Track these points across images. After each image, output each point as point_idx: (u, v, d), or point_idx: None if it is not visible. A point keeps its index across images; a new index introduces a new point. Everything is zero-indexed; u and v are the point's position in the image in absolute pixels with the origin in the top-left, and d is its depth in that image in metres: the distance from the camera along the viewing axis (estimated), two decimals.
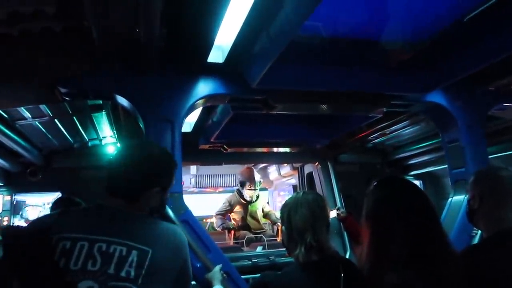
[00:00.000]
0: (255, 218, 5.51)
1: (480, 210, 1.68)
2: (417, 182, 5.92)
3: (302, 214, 1.60)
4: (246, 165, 5.84)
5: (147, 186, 1.43)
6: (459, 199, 2.92)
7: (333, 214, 3.89)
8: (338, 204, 4.85)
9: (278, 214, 5.26)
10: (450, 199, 3.03)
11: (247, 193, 5.39)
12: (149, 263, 1.26)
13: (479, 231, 2.46)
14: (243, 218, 5.45)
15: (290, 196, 1.84)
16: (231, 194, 5.72)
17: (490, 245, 1.61)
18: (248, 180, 5.42)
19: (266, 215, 5.65)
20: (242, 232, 5.35)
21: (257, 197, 5.56)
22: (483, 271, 1.46)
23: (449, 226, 2.75)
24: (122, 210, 1.37)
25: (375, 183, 1.53)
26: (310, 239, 1.55)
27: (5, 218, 4.71)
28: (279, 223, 5.28)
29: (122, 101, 2.45)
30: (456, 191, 3.00)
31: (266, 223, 5.61)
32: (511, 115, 3.54)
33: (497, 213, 1.63)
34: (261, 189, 5.96)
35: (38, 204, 4.84)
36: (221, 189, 6.87)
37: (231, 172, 6.78)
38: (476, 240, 2.61)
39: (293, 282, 1.53)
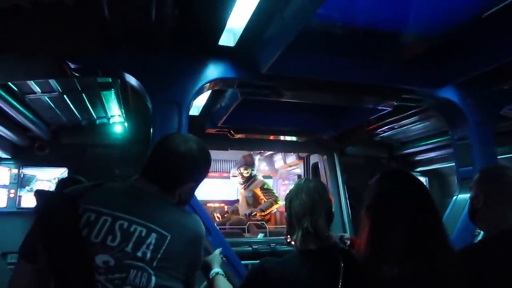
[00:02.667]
0: (242, 204, 5.61)
1: (484, 209, 1.65)
2: (422, 179, 5.90)
3: (302, 200, 1.60)
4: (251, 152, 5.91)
5: (186, 181, 1.46)
6: (465, 197, 2.90)
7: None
8: (342, 197, 4.86)
9: (281, 202, 5.29)
10: (455, 197, 3.00)
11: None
12: (166, 248, 1.27)
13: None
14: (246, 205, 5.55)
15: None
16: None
17: (490, 245, 1.59)
18: (237, 165, 5.73)
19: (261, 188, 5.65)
20: (233, 217, 5.49)
21: (245, 182, 5.65)
22: (481, 270, 1.44)
23: (453, 224, 2.73)
24: (152, 194, 1.38)
25: (378, 176, 1.52)
26: (307, 224, 1.54)
27: (12, 191, 4.77)
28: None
29: (131, 79, 2.44)
30: (462, 189, 2.98)
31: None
32: None
33: (502, 213, 1.60)
34: (264, 177, 5.99)
35: (48, 179, 4.90)
36: (225, 175, 6.87)
37: (237, 158, 6.79)
38: (478, 239, 2.59)
39: (292, 270, 1.51)
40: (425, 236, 1.32)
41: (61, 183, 2.83)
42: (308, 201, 1.60)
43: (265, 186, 5.59)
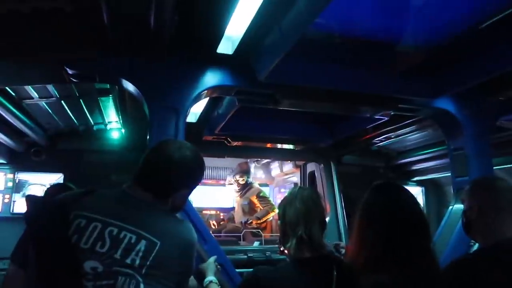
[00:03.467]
0: (237, 212, 5.61)
1: (478, 221, 1.65)
2: (419, 189, 5.90)
3: (296, 208, 1.62)
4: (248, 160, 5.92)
5: (180, 188, 1.46)
6: (460, 207, 2.88)
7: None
8: (338, 205, 4.85)
9: (277, 210, 5.28)
10: (450, 207, 3.01)
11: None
12: (155, 255, 1.26)
13: None
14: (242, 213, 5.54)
15: None
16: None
17: (484, 256, 1.59)
18: (234, 171, 5.73)
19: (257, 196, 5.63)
20: (229, 224, 5.48)
21: (241, 189, 5.64)
22: (474, 282, 1.45)
23: (448, 235, 2.73)
24: (144, 201, 1.38)
25: (368, 189, 1.56)
26: (301, 232, 1.55)
27: (6, 196, 4.74)
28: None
29: (129, 86, 2.45)
30: (458, 200, 2.98)
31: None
32: None
33: (497, 224, 1.60)
34: (261, 185, 5.99)
35: (42, 183, 4.87)
36: (222, 182, 6.86)
37: (233, 166, 6.79)
38: (473, 250, 2.59)
39: (285, 278, 1.53)
40: (404, 245, 1.36)
41: (51, 189, 2.79)
42: (303, 209, 1.61)
43: (261, 194, 5.58)
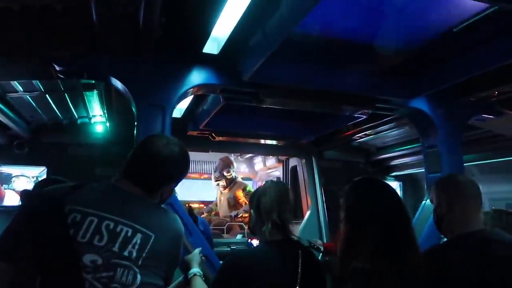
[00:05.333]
0: (222, 205, 5.68)
1: (447, 216, 1.76)
2: (396, 184, 6.09)
3: (270, 196, 1.86)
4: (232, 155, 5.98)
5: (167, 182, 1.54)
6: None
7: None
8: (319, 199, 4.98)
9: None
10: (424, 202, 3.15)
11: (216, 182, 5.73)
12: (150, 247, 1.33)
13: None
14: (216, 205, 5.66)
15: None
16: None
17: (451, 248, 1.69)
18: (217, 168, 5.76)
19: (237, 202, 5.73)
20: (214, 218, 5.54)
21: (227, 184, 5.72)
22: (442, 273, 1.55)
23: (421, 228, 2.86)
24: (135, 195, 1.44)
25: (351, 183, 1.63)
26: (275, 217, 1.80)
27: None
28: None
29: (116, 83, 2.49)
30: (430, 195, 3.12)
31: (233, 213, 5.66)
32: (489, 126, 3.68)
33: (462, 218, 1.71)
34: (244, 179, 6.08)
35: (25, 174, 4.86)
36: (205, 176, 6.93)
37: (216, 160, 6.86)
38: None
39: (261, 256, 1.77)
40: (395, 238, 1.43)
41: (42, 183, 2.82)
42: (276, 198, 1.86)
43: (247, 189, 5.69)
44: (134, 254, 1.31)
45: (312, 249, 2.80)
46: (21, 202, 2.36)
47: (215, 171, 5.82)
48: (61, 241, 1.27)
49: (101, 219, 1.32)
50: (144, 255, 1.32)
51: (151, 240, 1.35)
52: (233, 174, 5.76)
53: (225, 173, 5.65)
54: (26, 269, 1.27)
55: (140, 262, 1.31)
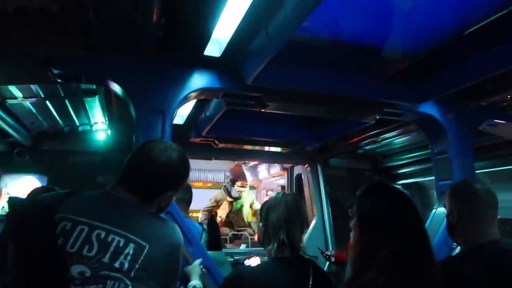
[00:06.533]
0: (238, 215, 5.53)
1: (459, 224, 1.69)
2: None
3: (279, 212, 1.69)
4: (235, 162, 5.85)
5: (165, 190, 1.45)
6: (443, 210, 2.94)
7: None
8: (325, 208, 4.88)
9: None
10: (434, 210, 3.05)
11: (238, 190, 5.40)
12: (144, 258, 1.25)
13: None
14: (228, 215, 5.47)
15: None
16: (218, 190, 5.73)
17: (466, 258, 1.62)
18: (239, 177, 5.45)
19: (256, 213, 5.64)
20: (224, 228, 5.38)
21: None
22: (457, 284, 1.47)
23: (431, 237, 2.76)
24: (130, 203, 1.37)
25: (364, 189, 1.53)
26: (283, 236, 1.64)
27: None
28: None
29: (115, 87, 2.43)
30: (441, 203, 3.02)
31: (251, 221, 5.59)
32: (501, 132, 3.58)
33: (476, 227, 1.65)
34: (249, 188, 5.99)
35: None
36: (210, 184, 6.85)
37: (221, 168, 6.77)
38: (455, 252, 2.63)
39: (266, 274, 1.60)
40: (412, 247, 1.34)
41: (35, 192, 2.72)
42: (286, 214, 1.69)
43: (255, 207, 5.60)
44: (126, 265, 1.22)
45: (324, 258, 2.69)
46: (9, 209, 2.27)
47: (239, 181, 5.55)
48: (49, 251, 1.20)
49: (92, 228, 1.24)
50: (137, 266, 1.23)
51: (145, 251, 1.26)
52: None
53: (245, 183, 5.55)
54: (14, 281, 1.20)
55: (132, 274, 1.22)
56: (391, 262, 1.30)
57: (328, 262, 3.77)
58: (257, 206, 5.75)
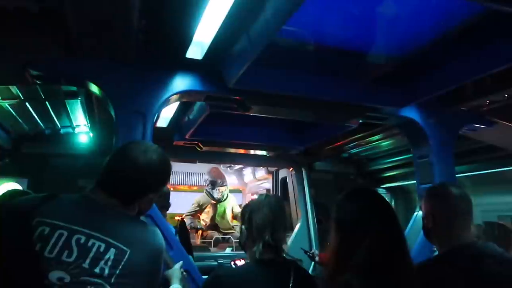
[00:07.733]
0: (223, 218, 5.52)
1: (435, 228, 1.71)
2: (388, 196, 6.02)
3: (263, 214, 1.70)
4: (212, 166, 5.85)
5: (146, 192, 1.43)
6: None
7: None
8: (309, 211, 4.88)
9: None
10: (416, 214, 3.08)
11: (219, 190, 5.40)
12: (125, 264, 1.23)
13: None
14: (212, 218, 5.45)
15: None
16: (201, 194, 5.73)
17: (443, 261, 1.63)
18: (218, 178, 5.47)
19: (236, 217, 5.64)
20: (210, 232, 5.35)
21: (226, 196, 5.58)
22: (433, 287, 1.48)
23: (413, 240, 2.79)
24: (110, 207, 1.34)
25: (344, 193, 1.55)
26: (268, 237, 1.64)
27: None
28: None
29: (94, 89, 2.39)
30: None
31: (236, 225, 5.58)
32: (481, 137, 3.63)
33: (451, 231, 1.66)
34: (233, 191, 5.97)
35: None
36: (195, 188, 6.81)
37: (207, 171, 6.75)
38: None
39: (246, 276, 1.61)
40: (387, 251, 1.36)
41: (7, 196, 2.64)
42: (270, 216, 1.69)
43: (235, 211, 5.59)
44: (107, 271, 1.20)
45: (308, 257, 2.69)
46: None
47: (219, 181, 5.62)
48: (26, 256, 1.17)
49: (72, 232, 1.21)
50: (117, 272, 1.21)
51: (126, 256, 1.24)
52: None
53: (225, 182, 5.55)
54: None
55: (113, 280, 1.20)
56: (365, 263, 1.31)
57: (313, 263, 3.77)
58: (237, 210, 5.75)
